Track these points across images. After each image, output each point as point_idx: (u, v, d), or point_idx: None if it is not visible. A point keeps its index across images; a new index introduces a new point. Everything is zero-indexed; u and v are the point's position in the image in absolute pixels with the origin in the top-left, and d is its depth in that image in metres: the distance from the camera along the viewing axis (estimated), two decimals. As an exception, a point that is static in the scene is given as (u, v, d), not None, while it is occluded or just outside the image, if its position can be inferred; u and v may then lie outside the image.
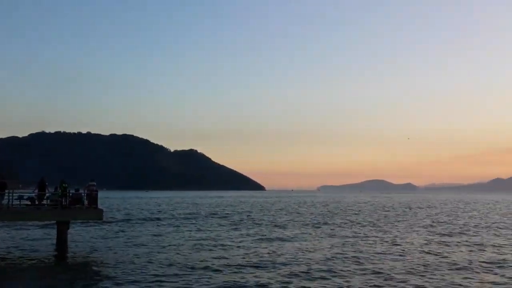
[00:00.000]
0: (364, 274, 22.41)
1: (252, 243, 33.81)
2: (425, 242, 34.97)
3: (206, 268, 23.74)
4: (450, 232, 43.00)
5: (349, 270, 23.22)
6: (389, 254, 28.79)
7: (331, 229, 44.55)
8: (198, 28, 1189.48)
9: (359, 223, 52.05)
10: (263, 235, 38.82)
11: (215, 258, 26.79)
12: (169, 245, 32.16)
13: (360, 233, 40.92)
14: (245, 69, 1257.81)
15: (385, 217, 64.09)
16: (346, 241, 34.85)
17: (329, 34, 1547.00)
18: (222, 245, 32.53)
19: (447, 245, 33.07)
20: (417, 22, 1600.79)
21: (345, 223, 51.92)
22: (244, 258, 26.89)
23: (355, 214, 71.67)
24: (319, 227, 46.67)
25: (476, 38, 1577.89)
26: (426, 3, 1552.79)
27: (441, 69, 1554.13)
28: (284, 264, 24.77)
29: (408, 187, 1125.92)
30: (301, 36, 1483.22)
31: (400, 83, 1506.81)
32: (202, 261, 25.70)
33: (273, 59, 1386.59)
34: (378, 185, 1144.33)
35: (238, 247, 31.61)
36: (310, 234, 40.29)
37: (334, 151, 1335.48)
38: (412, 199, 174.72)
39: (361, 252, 29.43)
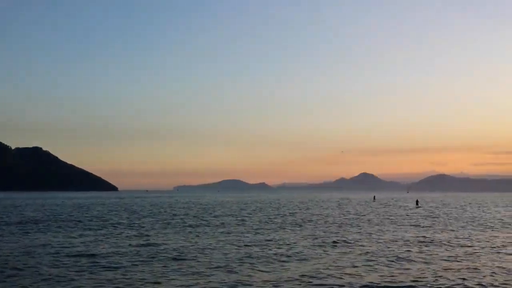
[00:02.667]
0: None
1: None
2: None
3: None
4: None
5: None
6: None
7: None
8: (31, 20, 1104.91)
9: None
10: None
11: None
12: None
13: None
14: (96, 65, 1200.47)
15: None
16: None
17: (192, 34, 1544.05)
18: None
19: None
20: (273, 30, 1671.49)
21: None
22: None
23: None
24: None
25: (335, 45, 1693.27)
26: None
27: (294, 75, 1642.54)
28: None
29: (262, 187, 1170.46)
30: (159, 36, 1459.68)
31: (255, 86, 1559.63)
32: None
33: (128, 57, 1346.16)
34: (235, 185, 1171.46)
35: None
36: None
37: (191, 150, 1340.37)
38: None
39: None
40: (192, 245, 32.35)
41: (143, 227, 47.25)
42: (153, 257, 27.01)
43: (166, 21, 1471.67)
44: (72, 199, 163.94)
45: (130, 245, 32.48)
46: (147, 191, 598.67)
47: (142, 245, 32.59)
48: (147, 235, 38.91)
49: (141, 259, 26.51)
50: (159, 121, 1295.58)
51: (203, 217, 63.53)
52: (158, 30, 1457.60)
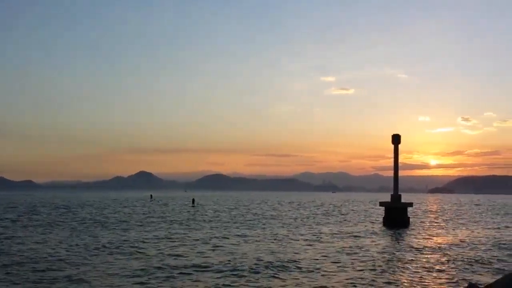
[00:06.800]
0: None
1: None
2: None
3: None
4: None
5: None
6: None
7: None
8: None
9: None
10: None
11: None
12: None
13: None
14: None
15: None
16: None
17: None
18: None
19: None
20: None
21: None
22: None
23: None
24: None
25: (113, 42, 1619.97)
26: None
27: (85, 70, 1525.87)
28: None
29: (29, 185, 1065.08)
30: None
31: (25, 73, 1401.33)
32: None
33: None
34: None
35: None
36: None
37: None
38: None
39: None
40: None
41: None
42: None
43: None
44: None
45: None
46: None
47: None
48: None
49: None
50: None
51: None
52: None
